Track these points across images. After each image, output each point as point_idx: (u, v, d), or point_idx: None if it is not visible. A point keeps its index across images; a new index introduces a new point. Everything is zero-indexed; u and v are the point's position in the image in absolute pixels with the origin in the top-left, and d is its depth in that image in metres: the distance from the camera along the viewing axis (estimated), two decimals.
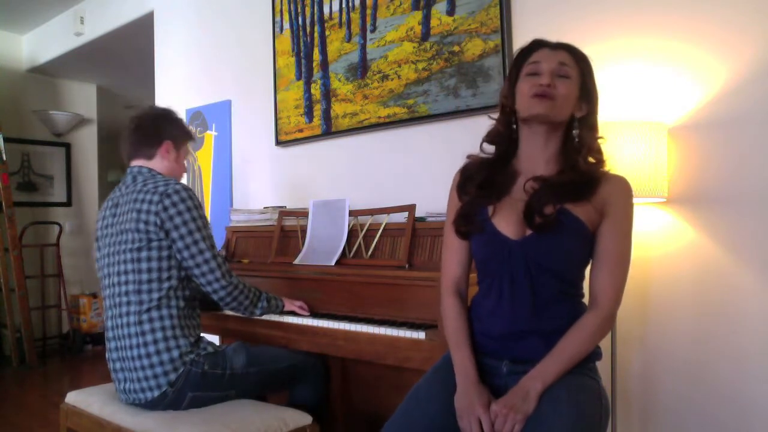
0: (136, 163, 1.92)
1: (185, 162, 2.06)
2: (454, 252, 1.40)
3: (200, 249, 1.77)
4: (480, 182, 1.34)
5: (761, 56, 1.65)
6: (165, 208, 1.74)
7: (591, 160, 1.30)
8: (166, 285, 1.76)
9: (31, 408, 3.50)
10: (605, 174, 1.30)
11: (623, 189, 1.29)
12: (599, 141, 1.33)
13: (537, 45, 1.34)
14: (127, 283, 1.76)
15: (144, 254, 1.75)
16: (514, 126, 1.35)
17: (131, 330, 1.74)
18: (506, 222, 1.28)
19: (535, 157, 1.32)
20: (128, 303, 1.75)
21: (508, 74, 1.38)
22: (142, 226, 1.74)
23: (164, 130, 1.95)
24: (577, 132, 1.31)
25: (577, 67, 1.30)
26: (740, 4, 1.68)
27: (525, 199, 1.27)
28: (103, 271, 1.87)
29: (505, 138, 1.36)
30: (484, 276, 1.34)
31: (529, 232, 1.25)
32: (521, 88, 1.30)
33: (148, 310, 1.73)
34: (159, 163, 1.93)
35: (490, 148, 1.39)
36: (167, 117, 1.99)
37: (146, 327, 1.73)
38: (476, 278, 1.38)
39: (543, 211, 1.23)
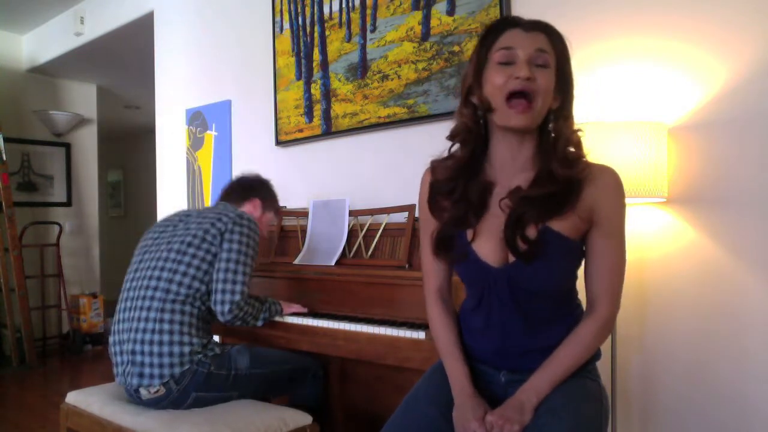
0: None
1: (269, 225, 2.22)
2: (432, 264, 1.32)
3: (236, 270, 1.83)
4: (454, 199, 1.21)
5: (761, 56, 1.65)
6: (234, 225, 1.88)
7: (569, 156, 1.15)
8: (196, 285, 1.82)
9: (31, 408, 3.50)
10: (588, 170, 1.15)
11: (611, 188, 1.16)
12: (578, 133, 1.18)
13: (509, 23, 1.17)
14: (163, 269, 1.82)
15: (191, 250, 1.83)
16: (481, 121, 1.20)
17: (151, 315, 1.77)
18: (488, 246, 1.18)
19: (510, 162, 1.19)
20: (156, 288, 1.80)
21: (474, 56, 1.19)
22: (200, 234, 1.86)
23: (258, 190, 2.15)
24: (552, 126, 1.17)
25: (554, 52, 1.15)
26: (740, 4, 1.68)
27: (504, 217, 1.16)
28: (142, 257, 1.93)
29: (473, 135, 1.20)
30: (470, 291, 1.28)
31: (512, 257, 1.16)
32: (492, 78, 1.14)
33: (174, 301, 1.79)
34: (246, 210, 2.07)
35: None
36: (265, 183, 2.20)
37: (167, 316, 1.77)
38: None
39: (525, 234, 1.12)
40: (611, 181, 1.16)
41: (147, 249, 1.94)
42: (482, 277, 1.20)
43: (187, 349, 1.75)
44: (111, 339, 1.88)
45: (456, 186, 1.22)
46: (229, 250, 1.84)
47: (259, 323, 1.95)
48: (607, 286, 1.18)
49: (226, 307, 1.81)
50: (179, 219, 1.99)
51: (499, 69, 1.13)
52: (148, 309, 1.78)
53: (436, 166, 1.27)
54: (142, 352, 1.74)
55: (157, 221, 2.06)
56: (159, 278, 1.81)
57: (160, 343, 1.74)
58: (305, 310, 2.03)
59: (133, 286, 1.87)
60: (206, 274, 1.83)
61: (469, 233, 1.20)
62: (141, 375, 1.73)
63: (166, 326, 1.75)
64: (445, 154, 1.27)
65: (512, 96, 1.12)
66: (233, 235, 1.86)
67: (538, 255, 1.12)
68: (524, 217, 1.13)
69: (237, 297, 1.81)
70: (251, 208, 2.09)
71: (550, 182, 1.13)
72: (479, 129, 1.20)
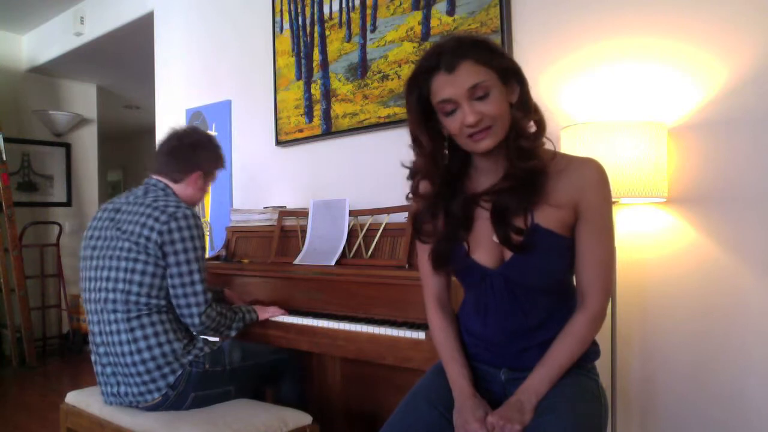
0: (158, 178, 1.91)
1: (203, 191, 2.01)
2: (430, 273, 1.33)
3: (192, 280, 1.76)
4: (441, 221, 1.24)
5: (761, 56, 1.65)
6: (170, 231, 1.73)
7: (523, 147, 1.16)
8: (154, 301, 1.75)
9: (31, 408, 3.50)
10: (562, 161, 1.18)
11: (593, 180, 1.17)
12: (535, 122, 1.18)
13: (430, 69, 1.17)
14: (115, 290, 1.73)
15: (140, 267, 1.73)
16: (446, 151, 1.24)
17: (122, 337, 1.72)
18: (482, 250, 1.21)
19: (494, 168, 1.21)
20: (115, 311, 1.73)
21: (410, 108, 1.26)
22: (142, 240, 1.73)
23: (200, 159, 1.94)
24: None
25: (488, 70, 1.13)
26: (740, 4, 1.68)
27: (490, 218, 1.18)
28: (89, 273, 1.82)
29: (441, 170, 1.25)
30: (468, 292, 1.31)
31: (506, 256, 1.19)
32: (447, 126, 1.18)
33: (138, 317, 1.72)
34: (182, 188, 1.92)
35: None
36: (206, 146, 1.98)
37: (138, 333, 1.71)
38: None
39: (515, 225, 1.15)
40: (594, 172, 1.17)
41: (93, 265, 1.81)
42: (480, 279, 1.23)
43: (171, 357, 1.72)
44: (93, 358, 1.82)
45: (438, 211, 1.25)
46: (177, 264, 1.74)
47: (233, 333, 1.92)
48: (596, 280, 1.19)
49: (195, 320, 1.77)
50: (109, 218, 1.84)
51: (448, 119, 1.17)
52: (118, 332, 1.72)
53: (414, 200, 1.33)
54: (131, 374, 1.71)
55: (93, 220, 1.91)
56: (115, 300, 1.72)
57: (143, 361, 1.70)
58: (283, 311, 2.03)
59: (93, 310, 1.79)
60: (162, 288, 1.75)
61: (465, 244, 1.22)
62: (141, 393, 1.72)
63: (142, 344, 1.70)
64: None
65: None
66: (176, 245, 1.73)
67: (532, 246, 1.15)
68: (508, 208, 1.16)
69: (202, 307, 1.76)
70: (192, 182, 1.92)
71: (513, 178, 1.16)
72: (443, 162, 1.26)
